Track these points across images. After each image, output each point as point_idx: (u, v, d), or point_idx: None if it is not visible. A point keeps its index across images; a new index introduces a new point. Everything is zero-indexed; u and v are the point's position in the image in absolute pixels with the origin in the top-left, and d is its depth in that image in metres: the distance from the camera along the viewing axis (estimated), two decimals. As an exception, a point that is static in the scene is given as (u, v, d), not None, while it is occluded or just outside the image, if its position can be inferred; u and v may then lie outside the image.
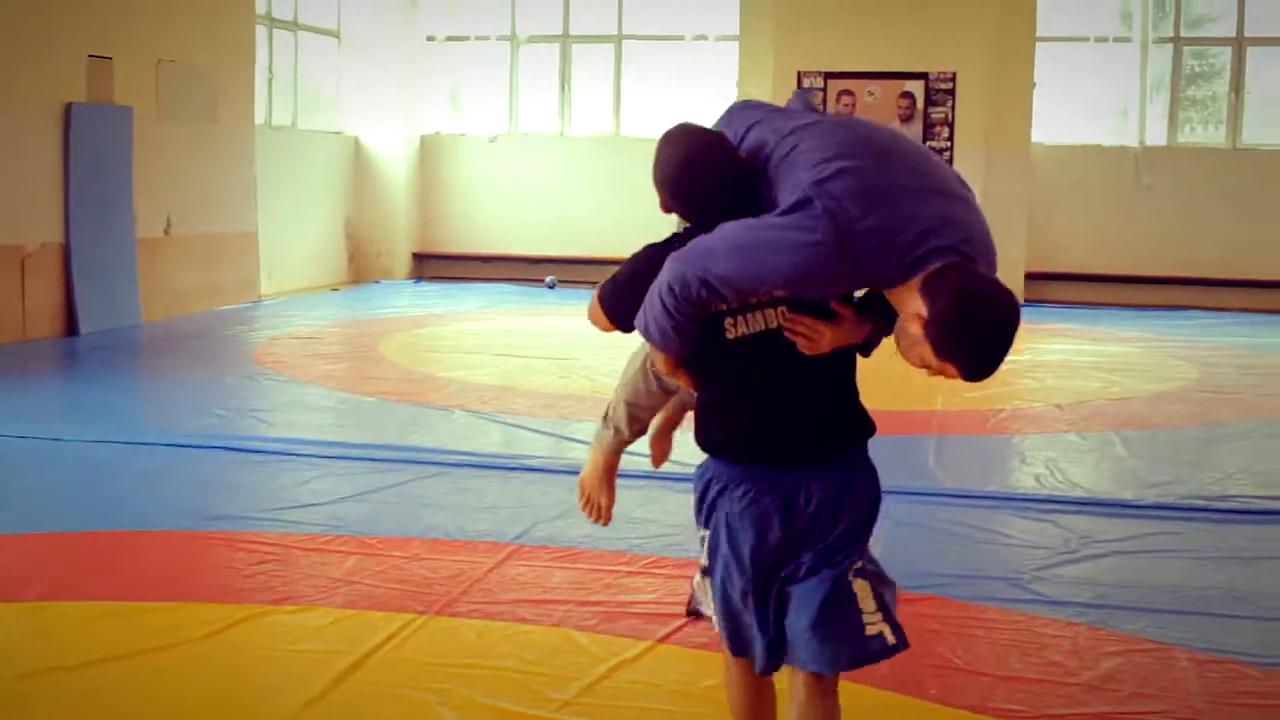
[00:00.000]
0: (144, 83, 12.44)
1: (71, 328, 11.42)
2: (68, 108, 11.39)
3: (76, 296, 11.45)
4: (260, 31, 15.19)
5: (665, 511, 5.93)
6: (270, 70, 15.67)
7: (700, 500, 3.00)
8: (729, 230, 2.73)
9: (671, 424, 3.58)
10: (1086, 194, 16.04)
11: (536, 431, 7.67)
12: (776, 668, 2.93)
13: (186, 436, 7.24)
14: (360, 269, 17.55)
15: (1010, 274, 15.42)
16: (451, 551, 5.28)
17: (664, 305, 2.78)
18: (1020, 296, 15.54)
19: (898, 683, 3.96)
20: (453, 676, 4.02)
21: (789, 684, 2.94)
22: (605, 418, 3.28)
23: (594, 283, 13.47)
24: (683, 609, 4.57)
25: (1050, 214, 15.92)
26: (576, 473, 3.37)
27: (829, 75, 15.53)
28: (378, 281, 17.09)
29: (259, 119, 15.04)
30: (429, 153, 17.89)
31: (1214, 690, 4.02)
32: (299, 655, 4.19)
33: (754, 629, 2.91)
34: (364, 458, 6.86)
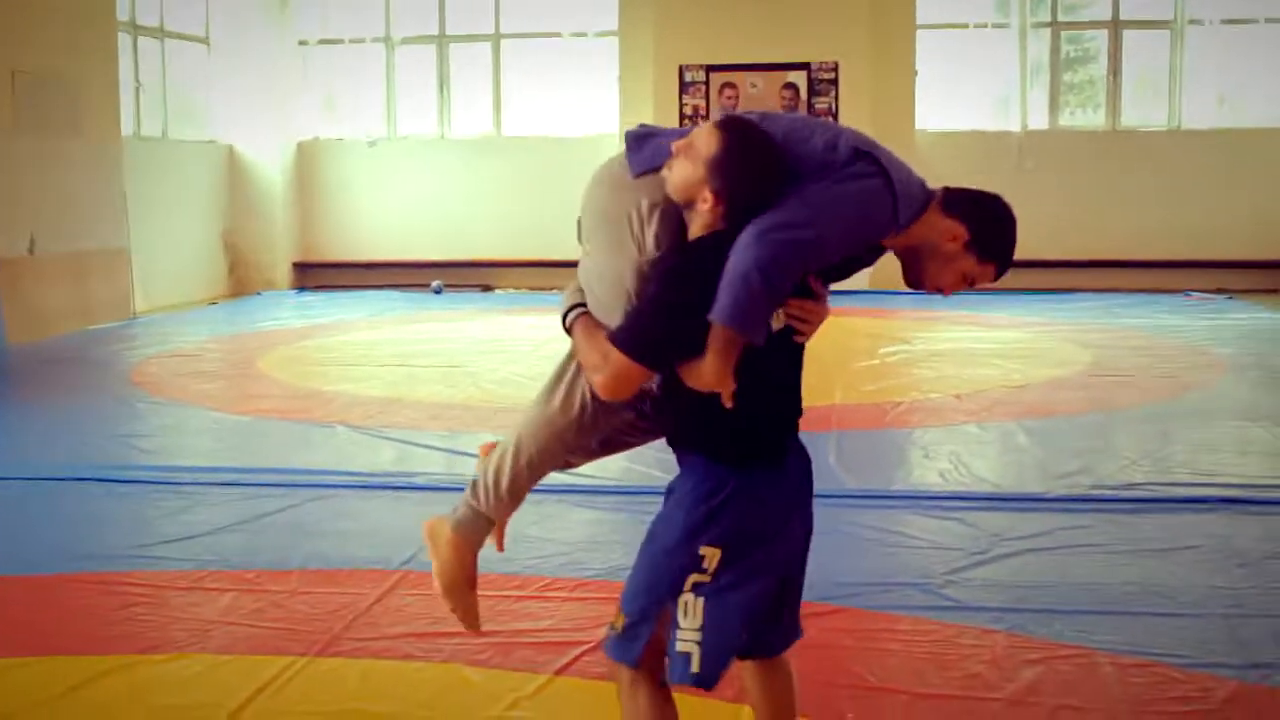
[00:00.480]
0: (-1, 96, 11.91)
1: (-69, 355, 10.89)
2: (-82, 124, 10.85)
3: (-65, 322, 10.92)
4: (125, 40, 14.67)
5: (562, 528, 5.67)
6: (137, 79, 15.15)
7: (711, 516, 2.80)
8: (805, 198, 2.72)
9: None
10: (972, 180, 15.79)
11: (424, 446, 7.35)
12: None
13: (49, 468, 6.79)
14: (241, 281, 17.06)
15: (900, 263, 15.35)
16: (334, 583, 4.96)
17: (766, 286, 2.66)
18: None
19: (814, 707, 3.73)
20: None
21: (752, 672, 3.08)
22: (477, 490, 2.99)
23: (482, 286, 13.00)
24: (579, 635, 4.31)
25: (937, 201, 15.86)
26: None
27: (711, 68, 15.35)
28: (259, 293, 16.61)
29: (127, 130, 14.51)
30: (306, 159, 17.45)
31: (1140, 696, 3.84)
32: (167, 710, 3.87)
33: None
34: (241, 483, 6.48)
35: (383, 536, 5.58)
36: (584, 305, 2.91)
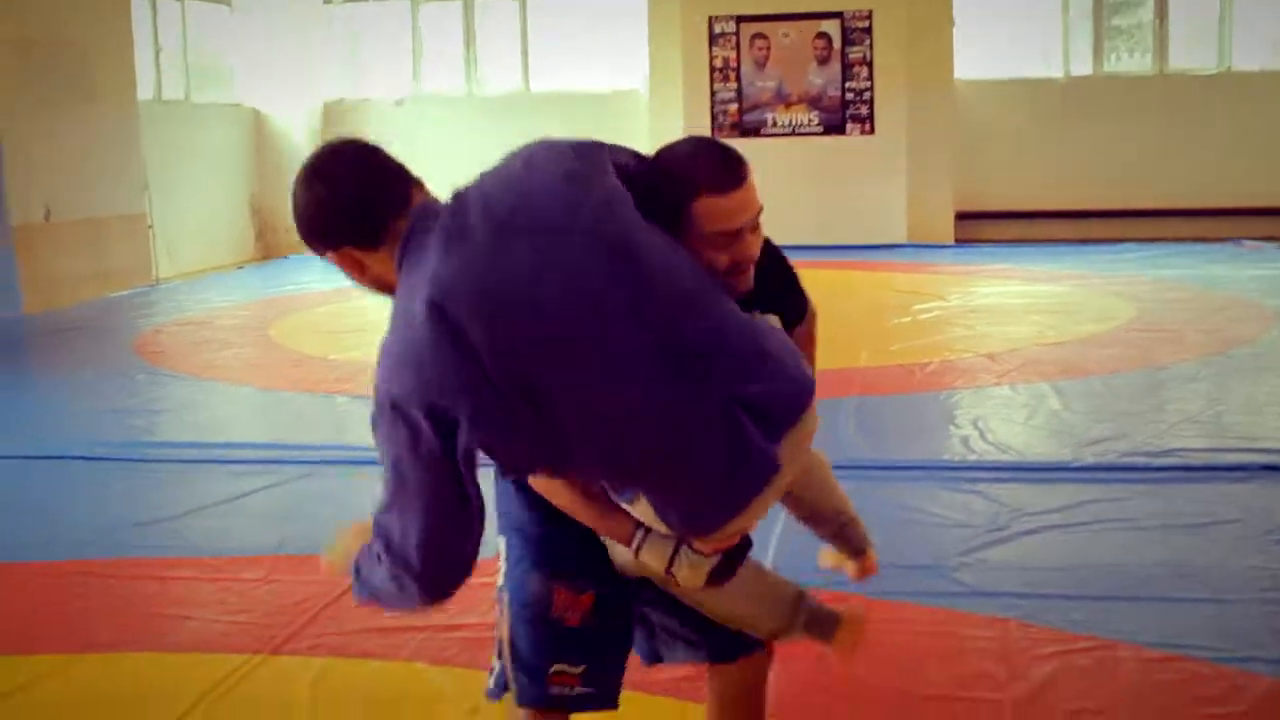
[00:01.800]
0: (6, 63, 11.62)
1: (-56, 325, 10.66)
2: (-79, 92, 10.59)
3: (-53, 292, 10.69)
4: (143, 3, 14.37)
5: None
6: (156, 43, 14.86)
7: None
8: None
9: None
10: (1014, 129, 15.51)
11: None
12: None
13: (27, 445, 6.50)
14: (269, 245, 16.78)
15: (939, 214, 14.91)
16: (304, 571, 4.63)
17: None
18: (950, 237, 15.03)
19: (797, 710, 3.39)
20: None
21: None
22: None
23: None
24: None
25: (978, 151, 15.36)
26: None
27: (741, 18, 14.89)
28: (287, 257, 16.32)
29: (148, 94, 14.25)
30: (333, 120, 17.09)
31: (1164, 695, 3.47)
32: (104, 715, 3.56)
33: None
34: (226, 460, 6.19)
35: (364, 518, 5.25)
36: None
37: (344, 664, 3.85)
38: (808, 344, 2.57)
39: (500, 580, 2.52)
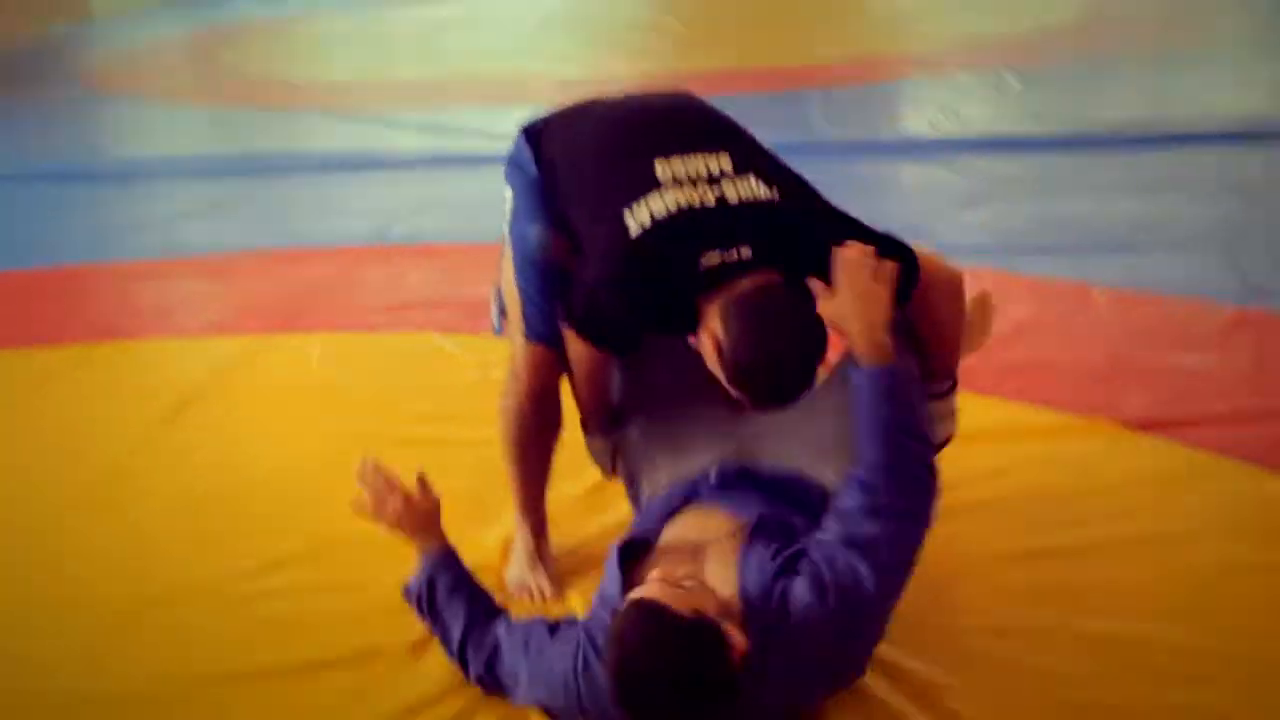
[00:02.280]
0: None
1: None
2: None
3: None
4: None
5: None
6: None
7: None
8: None
9: None
10: None
11: (392, 125, 7.05)
12: None
13: (6, 167, 6.52)
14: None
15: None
16: (298, 263, 4.76)
17: None
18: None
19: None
20: (298, 401, 3.57)
21: None
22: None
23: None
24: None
25: None
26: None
27: None
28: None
29: None
30: None
31: (1137, 326, 3.68)
32: (126, 394, 3.70)
33: None
34: (203, 172, 6.23)
35: (347, 216, 5.37)
36: None
37: (352, 337, 4.00)
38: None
39: (505, 230, 2.58)
